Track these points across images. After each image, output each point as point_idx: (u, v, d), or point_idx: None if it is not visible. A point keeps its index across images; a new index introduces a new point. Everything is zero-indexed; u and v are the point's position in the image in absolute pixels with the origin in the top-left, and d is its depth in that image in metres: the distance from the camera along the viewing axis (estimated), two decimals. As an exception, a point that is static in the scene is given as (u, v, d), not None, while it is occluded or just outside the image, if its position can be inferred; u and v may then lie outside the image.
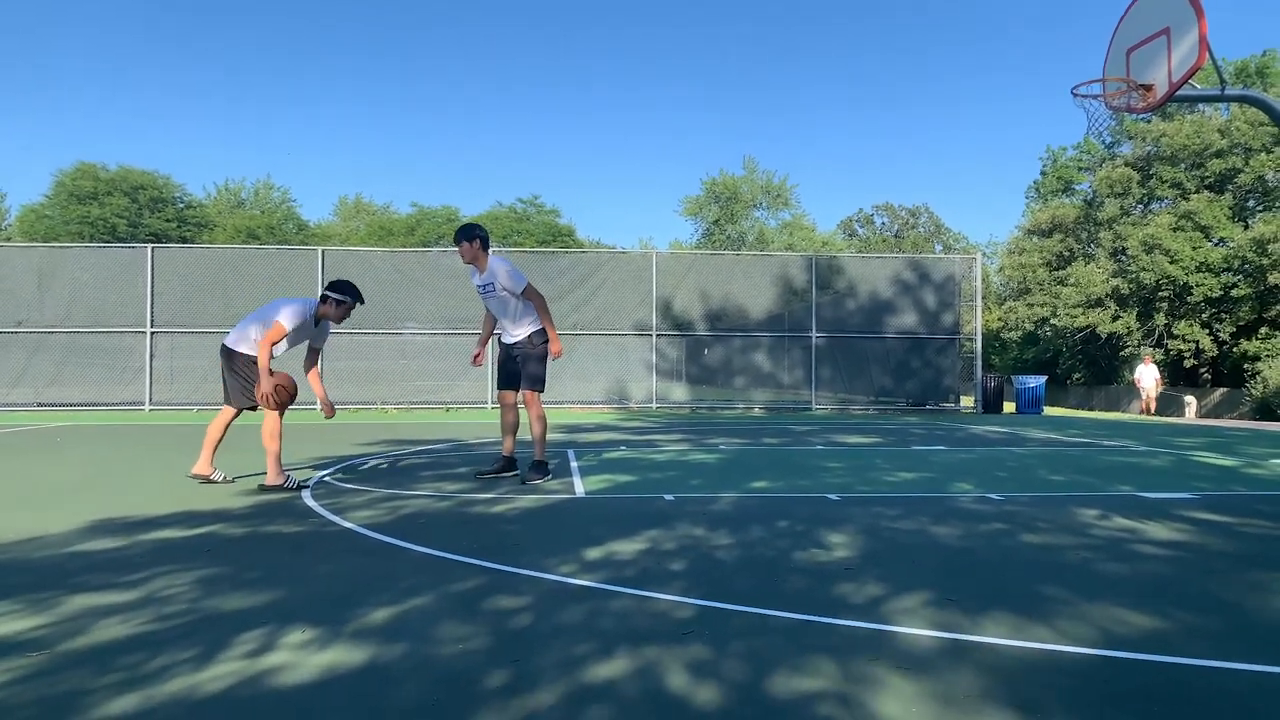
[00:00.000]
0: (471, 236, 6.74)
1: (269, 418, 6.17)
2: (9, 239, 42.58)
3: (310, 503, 5.60)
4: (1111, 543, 4.45)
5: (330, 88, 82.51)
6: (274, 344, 6.09)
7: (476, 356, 7.12)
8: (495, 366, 7.10)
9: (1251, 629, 3.00)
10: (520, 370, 6.76)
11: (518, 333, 6.74)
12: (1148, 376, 24.40)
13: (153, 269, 17.95)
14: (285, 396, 6.17)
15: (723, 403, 19.25)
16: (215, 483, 6.32)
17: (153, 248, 18.57)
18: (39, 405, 17.39)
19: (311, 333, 6.41)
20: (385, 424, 13.94)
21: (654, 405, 18.84)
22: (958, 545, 4.39)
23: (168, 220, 43.34)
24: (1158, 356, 37.18)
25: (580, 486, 6.47)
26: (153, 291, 17.86)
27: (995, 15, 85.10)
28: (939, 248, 60.19)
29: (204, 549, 4.20)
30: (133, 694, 2.33)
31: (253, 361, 6.18)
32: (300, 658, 2.63)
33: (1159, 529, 4.82)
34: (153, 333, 17.80)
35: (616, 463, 8.19)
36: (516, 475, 6.77)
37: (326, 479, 6.81)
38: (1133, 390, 38.01)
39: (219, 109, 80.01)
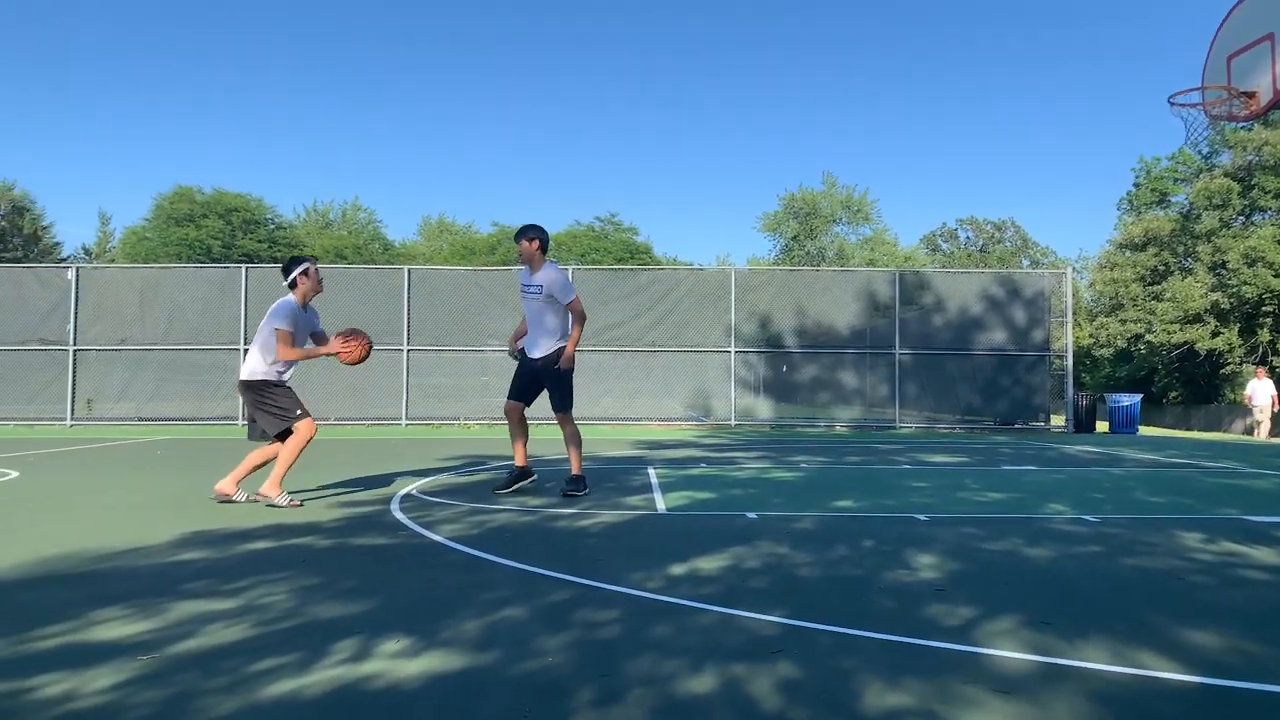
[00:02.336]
0: (532, 236, 6.82)
1: (302, 430, 6.15)
2: (113, 260, 44.64)
3: (399, 515, 5.72)
4: (1216, 567, 4.26)
5: (413, 110, 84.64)
6: (291, 346, 6.13)
7: (514, 350, 7.04)
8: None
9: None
10: (534, 386, 6.82)
11: (543, 346, 6.75)
12: (1263, 393, 22.10)
13: (246, 288, 18.62)
14: (363, 347, 6.31)
15: (805, 420, 19.06)
16: (236, 502, 6.21)
17: (246, 268, 19.27)
18: (139, 419, 18.16)
19: (305, 321, 6.35)
20: (468, 439, 14.16)
21: (734, 422, 18.75)
22: (1052, 568, 4.26)
23: (260, 241, 44.87)
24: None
25: (661, 503, 6.48)
26: (246, 310, 18.51)
27: (1083, 23, 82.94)
28: (1026, 262, 58.71)
29: (299, 559, 4.33)
30: (238, 697, 2.41)
31: (274, 385, 6.19)
32: (395, 666, 2.68)
33: (1267, 554, 4.60)
34: (246, 350, 18.40)
35: (697, 479, 8.17)
36: (534, 481, 6.96)
37: (414, 493, 6.94)
38: (1235, 409, 36.46)
39: (310, 133, 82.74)
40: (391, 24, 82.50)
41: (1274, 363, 33.55)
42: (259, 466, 6.33)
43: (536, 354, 6.78)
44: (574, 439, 6.83)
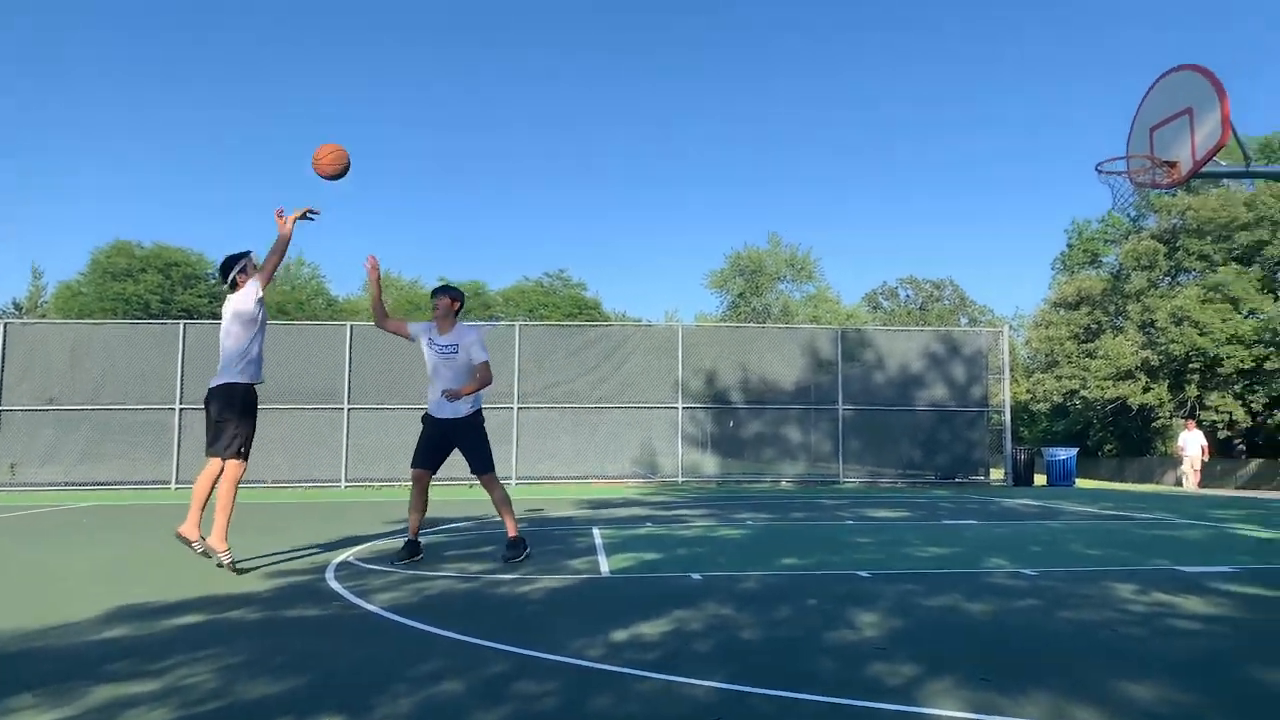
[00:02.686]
0: (456, 295, 6.81)
1: (236, 469, 5.98)
2: (43, 316, 43.46)
3: (334, 585, 5.57)
4: (1148, 618, 4.33)
5: (359, 163, 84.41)
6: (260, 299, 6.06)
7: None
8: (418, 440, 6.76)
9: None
10: (444, 449, 6.64)
11: (456, 407, 6.56)
12: (1192, 444, 22.19)
13: (184, 345, 18.21)
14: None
15: (751, 476, 19.09)
16: (194, 549, 5.91)
17: (185, 324, 18.87)
18: (67, 484, 17.50)
19: (259, 311, 6.19)
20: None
21: (680, 479, 18.71)
22: (991, 623, 4.29)
23: (199, 296, 44.12)
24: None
25: (605, 565, 6.40)
26: (183, 368, 18.09)
27: (1015, 91, 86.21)
28: (964, 321, 60.05)
29: (227, 635, 4.18)
30: (154, 782, 2.30)
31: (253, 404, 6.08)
32: (323, 744, 2.59)
33: (1198, 603, 4.69)
34: (181, 409, 17.95)
35: (642, 540, 8.11)
36: (421, 559, 6.51)
37: (351, 560, 6.78)
38: (1167, 461, 37.39)
39: (252, 186, 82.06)
40: (338, 75, 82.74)
41: (1201, 416, 34.59)
42: (208, 499, 6.05)
43: (446, 414, 6.60)
44: (504, 502, 6.69)
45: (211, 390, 6.06)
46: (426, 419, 6.70)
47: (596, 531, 8.71)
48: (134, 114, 76.11)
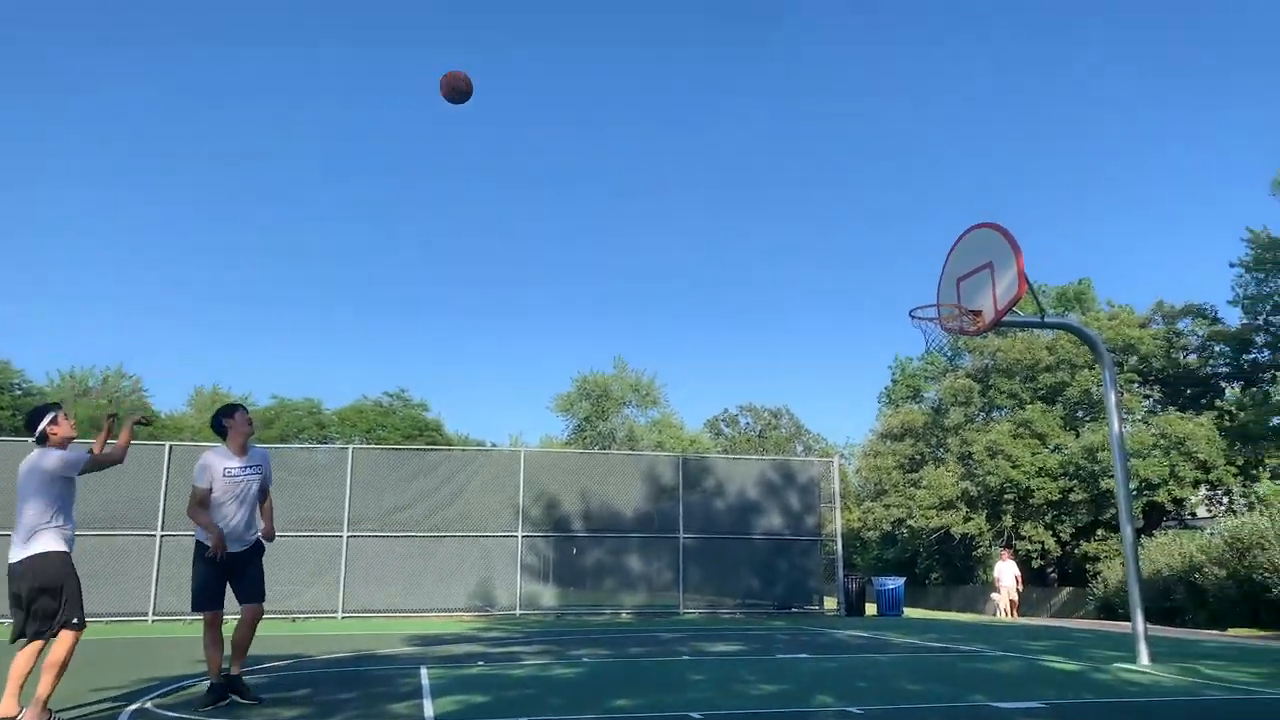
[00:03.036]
0: (247, 413, 6.53)
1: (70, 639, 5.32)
2: None
3: (125, 737, 5.07)
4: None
5: (186, 276, 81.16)
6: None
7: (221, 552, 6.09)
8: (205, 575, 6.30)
9: None
10: (252, 577, 6.37)
11: (254, 528, 6.37)
12: (1007, 574, 22.85)
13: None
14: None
15: (590, 608, 18.76)
16: None
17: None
18: None
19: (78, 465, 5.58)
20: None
21: (519, 612, 18.18)
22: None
23: (2, 408, 40.70)
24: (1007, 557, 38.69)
25: (430, 709, 6.10)
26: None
27: (843, 225, 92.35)
28: (800, 448, 62.16)
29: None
30: None
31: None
32: None
33: (1010, 746, 4.86)
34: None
35: (473, 680, 7.79)
36: (227, 703, 6.13)
37: (148, 706, 6.20)
38: (989, 589, 39.26)
39: (66, 292, 77.38)
40: (150, 187, 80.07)
41: (1017, 546, 36.66)
42: (29, 672, 5.19)
43: (238, 546, 6.25)
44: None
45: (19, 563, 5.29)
46: (217, 555, 6.08)
47: (424, 671, 8.31)
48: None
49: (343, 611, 17.08)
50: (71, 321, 75.35)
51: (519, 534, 18.56)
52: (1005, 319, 9.19)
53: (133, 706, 6.17)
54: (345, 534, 17.53)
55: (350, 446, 19.41)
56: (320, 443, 43.25)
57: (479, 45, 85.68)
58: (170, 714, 5.89)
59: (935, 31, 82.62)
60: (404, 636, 12.72)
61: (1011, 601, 22.54)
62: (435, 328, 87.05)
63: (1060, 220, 79.99)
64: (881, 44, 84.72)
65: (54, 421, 5.62)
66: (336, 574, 17.32)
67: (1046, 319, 10.15)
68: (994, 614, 23.15)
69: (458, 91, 7.02)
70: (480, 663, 9.23)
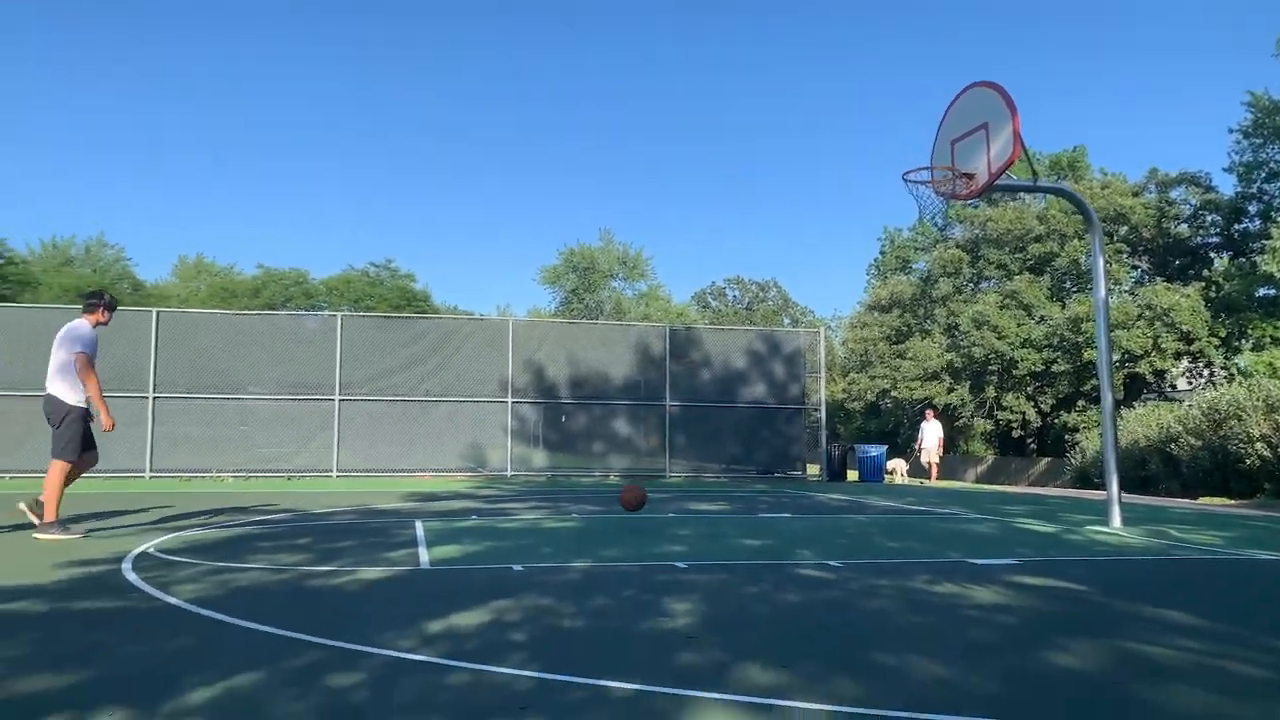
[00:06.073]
0: None
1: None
2: None
3: (130, 576, 5.25)
4: (938, 607, 4.67)
5: (172, 138, 79.27)
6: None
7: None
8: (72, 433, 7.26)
9: (1053, 689, 3.21)
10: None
11: None
12: (930, 435, 22.09)
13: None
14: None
15: (580, 470, 19.20)
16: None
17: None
18: None
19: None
20: (222, 493, 13.22)
21: (510, 473, 18.60)
22: (797, 612, 4.51)
23: (-17, 279, 40.27)
24: (987, 427, 39.45)
25: (425, 557, 6.31)
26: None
27: (838, 97, 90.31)
28: (787, 321, 62.47)
29: (8, 626, 3.87)
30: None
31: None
32: (106, 747, 2.45)
33: (983, 593, 5.08)
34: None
35: (466, 532, 8.03)
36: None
37: (151, 551, 6.39)
38: (969, 459, 40.23)
39: (50, 157, 75.62)
40: (149, 46, 77.24)
41: (999, 416, 37.36)
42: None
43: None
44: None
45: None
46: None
47: (419, 524, 8.56)
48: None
49: (337, 470, 17.44)
50: (49, 185, 73.92)
51: (509, 400, 18.80)
52: (999, 182, 9.09)
53: (136, 550, 6.35)
54: (337, 397, 17.73)
55: (339, 314, 19.37)
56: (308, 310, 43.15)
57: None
58: (172, 557, 6.07)
59: (942, -114, 78.88)
60: (399, 494, 13.04)
61: (931, 463, 21.94)
62: (421, 191, 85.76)
63: (1057, 85, 78.37)
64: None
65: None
66: (330, 436, 17.59)
67: (1040, 183, 10.05)
68: (914, 477, 22.37)
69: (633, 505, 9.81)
70: (474, 517, 9.50)
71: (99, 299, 7.42)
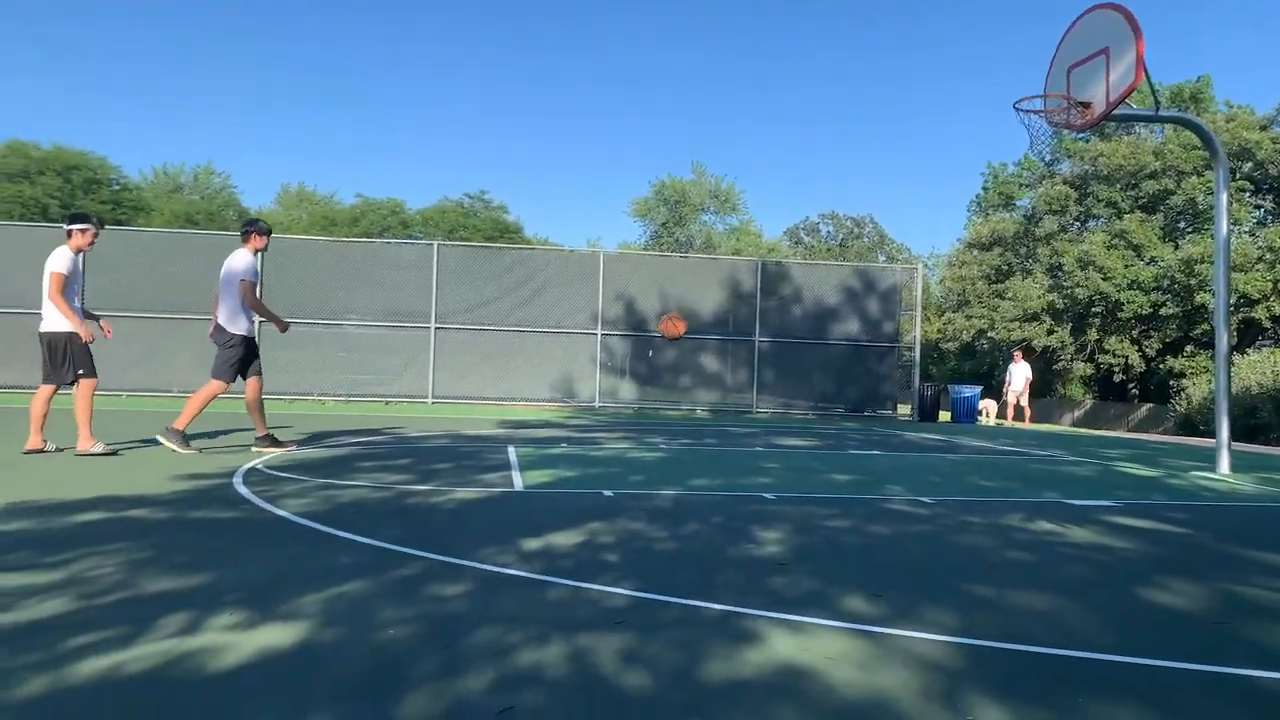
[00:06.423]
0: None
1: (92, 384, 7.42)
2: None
3: (242, 489, 5.51)
4: (1035, 545, 4.58)
5: (277, 73, 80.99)
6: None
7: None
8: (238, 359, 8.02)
9: (1153, 626, 3.13)
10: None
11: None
12: (1019, 376, 21.47)
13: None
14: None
15: (667, 403, 19.31)
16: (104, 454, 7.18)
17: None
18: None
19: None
20: (323, 415, 13.74)
21: (598, 404, 18.83)
22: (888, 544, 4.49)
23: (103, 202, 42.13)
24: (1086, 371, 38.10)
25: (519, 481, 6.46)
26: (83, 274, 17.27)
27: (942, 30, 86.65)
28: (882, 258, 61.06)
29: (130, 532, 4.12)
30: (49, 674, 2.28)
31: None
32: (226, 639, 2.60)
33: (1081, 533, 4.97)
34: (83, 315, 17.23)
35: (557, 458, 8.19)
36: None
37: (259, 466, 6.70)
38: (1066, 403, 39.03)
39: (161, 89, 78.07)
40: (253, -20, 78.46)
41: (1100, 360, 36.08)
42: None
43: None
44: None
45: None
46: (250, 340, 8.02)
47: (512, 450, 8.76)
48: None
49: (432, 397, 17.91)
50: (164, 116, 76.42)
51: (598, 332, 18.94)
52: (1116, 111, 8.62)
53: (245, 466, 6.66)
54: (433, 325, 18.12)
55: (435, 243, 19.66)
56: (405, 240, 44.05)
57: None
58: (279, 473, 6.35)
59: None
60: (491, 421, 13.34)
61: (1020, 405, 21.29)
62: (515, 128, 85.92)
63: (1181, 8, 73.53)
64: None
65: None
66: (426, 363, 18.03)
67: (1162, 112, 9.50)
68: (1000, 418, 21.90)
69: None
70: (564, 444, 9.67)
71: (253, 227, 8.04)
